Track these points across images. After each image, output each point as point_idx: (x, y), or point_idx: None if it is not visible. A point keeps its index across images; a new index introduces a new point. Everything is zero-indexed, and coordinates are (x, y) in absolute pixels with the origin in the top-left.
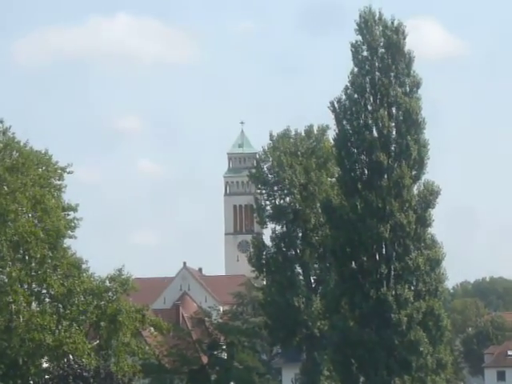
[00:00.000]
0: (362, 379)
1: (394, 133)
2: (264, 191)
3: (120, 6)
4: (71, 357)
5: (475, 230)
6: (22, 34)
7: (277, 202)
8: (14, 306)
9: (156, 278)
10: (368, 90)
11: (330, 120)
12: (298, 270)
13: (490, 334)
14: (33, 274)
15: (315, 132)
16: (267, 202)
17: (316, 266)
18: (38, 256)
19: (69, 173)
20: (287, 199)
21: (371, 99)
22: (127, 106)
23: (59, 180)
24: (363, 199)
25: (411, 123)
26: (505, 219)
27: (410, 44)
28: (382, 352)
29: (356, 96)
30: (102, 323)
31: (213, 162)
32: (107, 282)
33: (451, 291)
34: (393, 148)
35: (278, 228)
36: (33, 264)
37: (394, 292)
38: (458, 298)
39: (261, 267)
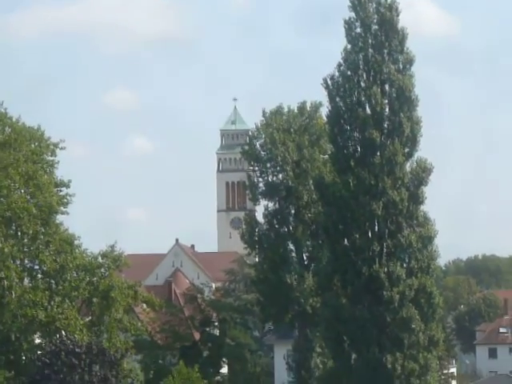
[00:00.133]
0: (353, 356)
1: (386, 110)
2: (257, 168)
3: None
4: (63, 333)
5: (470, 208)
6: (15, 8)
7: (269, 179)
8: (6, 282)
9: (148, 254)
10: (361, 66)
11: (323, 97)
12: (291, 246)
13: (482, 311)
14: (25, 249)
15: (308, 109)
16: (260, 179)
17: (308, 243)
18: (31, 232)
19: (61, 149)
20: (280, 176)
21: (364, 76)
22: (119, 81)
23: (52, 156)
24: (356, 176)
25: (404, 100)
26: (500, 199)
27: (403, 21)
28: (374, 329)
29: (349, 73)
30: (95, 299)
31: (205, 138)
32: (99, 258)
33: (443, 269)
34: (386, 125)
35: (271, 205)
36: (25, 240)
37: (386, 269)
38: (450, 275)
39: (253, 244)
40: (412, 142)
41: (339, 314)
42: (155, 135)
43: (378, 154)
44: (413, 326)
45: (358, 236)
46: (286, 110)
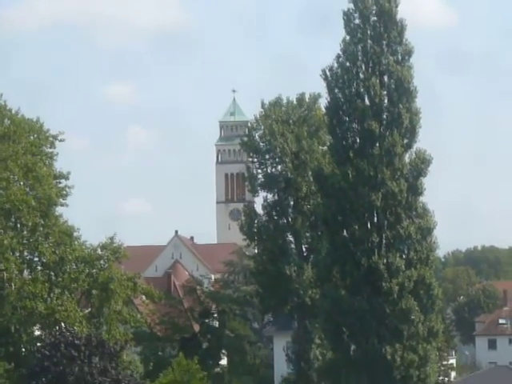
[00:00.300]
0: (353, 347)
1: (385, 101)
2: (256, 159)
3: None
4: (63, 324)
5: (470, 200)
6: (14, 0)
7: (268, 171)
8: (5, 274)
9: (148, 246)
10: (360, 58)
11: (321, 88)
12: (290, 238)
13: (482, 302)
14: (24, 241)
15: (307, 100)
16: (259, 171)
17: (307, 234)
18: (30, 224)
19: (60, 141)
20: (279, 167)
21: (363, 67)
22: (119, 73)
23: (51, 148)
24: (355, 167)
25: (403, 92)
26: (499, 190)
27: (402, 12)
28: (374, 320)
29: (348, 64)
30: (94, 291)
31: (204, 130)
32: (99, 249)
33: (443, 260)
34: (384, 116)
35: (270, 196)
36: (24, 232)
37: (385, 260)
38: (449, 266)
39: (252, 235)
40: (411, 133)
41: (338, 306)
42: (154, 127)
43: (377, 145)
44: (412, 317)
45: (357, 227)
46: (284, 101)
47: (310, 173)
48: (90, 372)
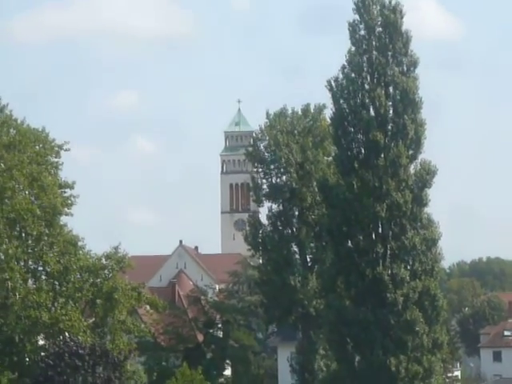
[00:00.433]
0: (357, 358)
1: (390, 112)
2: (260, 170)
3: None
4: (67, 334)
5: (473, 212)
6: (20, 11)
7: (273, 181)
8: (10, 283)
9: (152, 255)
10: (365, 69)
11: (327, 99)
12: (294, 248)
13: (487, 314)
14: (29, 251)
15: (312, 111)
16: (264, 181)
17: (312, 244)
18: (35, 233)
19: (65, 150)
20: (284, 178)
21: (368, 78)
22: (124, 83)
23: (56, 157)
24: (360, 178)
25: (408, 102)
26: (502, 204)
27: (407, 23)
28: (378, 331)
29: (353, 75)
30: (98, 301)
31: (209, 140)
32: (103, 259)
33: (447, 271)
34: (390, 127)
35: (275, 206)
36: (29, 241)
37: (390, 271)
38: (454, 277)
39: (257, 246)
40: (416, 144)
41: (343, 316)
42: (159, 137)
43: (382, 156)
44: (417, 328)
45: (361, 238)
46: (289, 111)
47: (314, 183)
48: (94, 382)
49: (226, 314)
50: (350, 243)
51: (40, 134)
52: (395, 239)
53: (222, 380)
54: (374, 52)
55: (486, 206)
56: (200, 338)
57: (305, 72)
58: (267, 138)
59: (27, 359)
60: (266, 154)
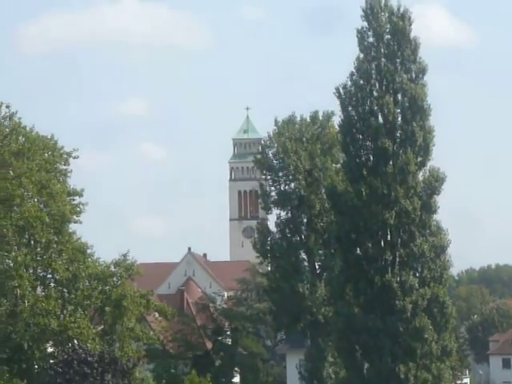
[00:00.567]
0: (366, 366)
1: (399, 119)
2: (269, 177)
3: None
4: (76, 341)
5: (481, 218)
6: (28, 18)
7: (282, 188)
8: (19, 291)
9: (161, 263)
10: (374, 76)
11: (335, 106)
12: (303, 256)
13: (495, 321)
14: (38, 258)
15: (320, 118)
16: (272, 188)
17: (321, 252)
18: (44, 241)
19: (74, 158)
20: (292, 185)
21: (377, 85)
22: (132, 91)
23: (65, 165)
24: (368, 185)
25: (417, 110)
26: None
27: (416, 30)
28: (387, 339)
29: (361, 82)
30: (107, 308)
31: (218, 147)
32: (112, 267)
33: (456, 278)
34: (398, 134)
35: (283, 214)
36: (38, 249)
37: (398, 279)
38: (463, 285)
39: (265, 253)
40: (425, 151)
41: (351, 324)
42: (168, 144)
43: (391, 163)
44: (425, 335)
45: (370, 245)
46: (298, 119)
47: (323, 190)
48: None
49: (234, 322)
50: (358, 250)
51: (49, 142)
52: (404, 246)
53: None
54: (383, 59)
55: (495, 213)
56: (209, 345)
57: (313, 78)
58: (276, 145)
59: (36, 366)
60: (275, 161)
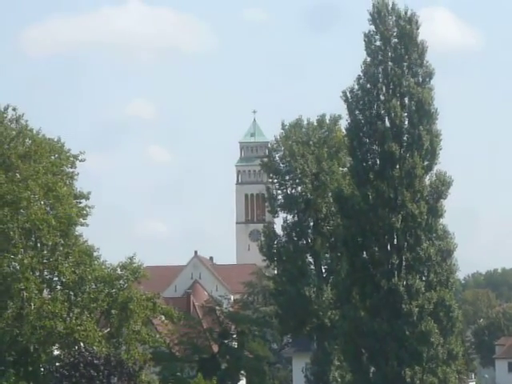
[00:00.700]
0: (372, 369)
1: (406, 123)
2: (276, 180)
3: None
4: (82, 344)
5: (487, 222)
6: (34, 21)
7: (288, 192)
8: (25, 294)
9: (167, 266)
10: (381, 79)
11: (342, 110)
12: (309, 259)
13: (502, 325)
14: (44, 261)
15: (327, 122)
16: (279, 192)
17: (327, 255)
18: (50, 243)
19: (81, 160)
20: (299, 188)
21: (384, 89)
22: (139, 94)
23: (71, 168)
24: (375, 189)
25: (423, 113)
26: None
27: (423, 34)
28: (393, 342)
29: (368, 86)
30: (113, 311)
31: (225, 150)
32: (118, 269)
33: (462, 282)
34: (405, 138)
35: (290, 217)
36: (44, 251)
37: (405, 282)
38: (469, 288)
39: (272, 256)
40: (431, 155)
41: (358, 327)
42: (175, 147)
43: (398, 167)
44: (432, 339)
45: (376, 249)
46: (305, 122)
47: (329, 194)
48: None
49: (240, 325)
50: (365, 254)
51: (55, 144)
52: (410, 250)
53: None
54: (390, 63)
55: (501, 217)
56: (215, 348)
57: (320, 81)
58: (282, 148)
59: (42, 369)
60: (282, 164)
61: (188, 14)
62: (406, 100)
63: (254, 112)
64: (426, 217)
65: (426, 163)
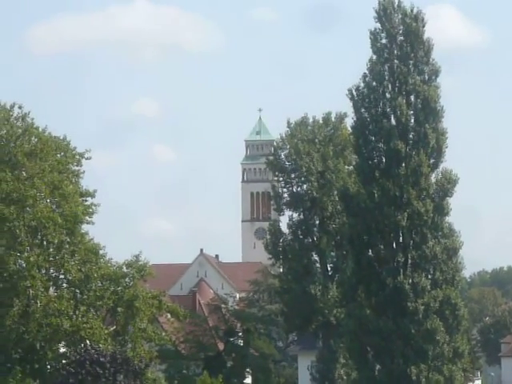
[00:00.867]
0: (378, 367)
1: (412, 121)
2: (281, 178)
3: None
4: (88, 342)
5: (493, 220)
6: (40, 19)
7: (294, 190)
8: (31, 291)
9: (173, 264)
10: (386, 77)
11: (348, 108)
12: (315, 257)
13: (508, 323)
14: (50, 259)
15: (333, 120)
16: (284, 190)
17: (333, 253)
18: (56, 241)
19: (87, 159)
20: (304, 187)
21: (389, 87)
22: (144, 92)
23: (77, 166)
24: (380, 187)
25: (429, 111)
26: None
27: (429, 32)
28: (399, 340)
29: (374, 84)
30: (119, 309)
31: (230, 149)
32: (124, 267)
33: (468, 280)
34: (411, 136)
35: (295, 215)
36: (50, 249)
37: (410, 280)
38: (475, 287)
39: (277, 254)
40: (437, 153)
41: (363, 325)
42: (180, 145)
43: (403, 165)
44: (437, 337)
45: (382, 247)
46: (310, 120)
47: (335, 192)
48: None
49: (246, 323)
50: (370, 252)
51: (61, 143)
52: (416, 248)
53: None
54: (396, 61)
55: (507, 215)
56: (220, 346)
57: (326, 79)
58: (288, 146)
59: (48, 367)
60: (287, 162)
61: (194, 13)
62: (412, 98)
63: (260, 110)
64: (431, 215)
65: (431, 161)
